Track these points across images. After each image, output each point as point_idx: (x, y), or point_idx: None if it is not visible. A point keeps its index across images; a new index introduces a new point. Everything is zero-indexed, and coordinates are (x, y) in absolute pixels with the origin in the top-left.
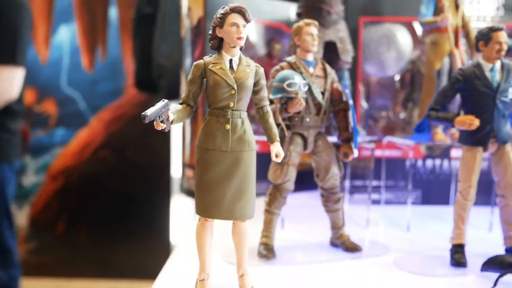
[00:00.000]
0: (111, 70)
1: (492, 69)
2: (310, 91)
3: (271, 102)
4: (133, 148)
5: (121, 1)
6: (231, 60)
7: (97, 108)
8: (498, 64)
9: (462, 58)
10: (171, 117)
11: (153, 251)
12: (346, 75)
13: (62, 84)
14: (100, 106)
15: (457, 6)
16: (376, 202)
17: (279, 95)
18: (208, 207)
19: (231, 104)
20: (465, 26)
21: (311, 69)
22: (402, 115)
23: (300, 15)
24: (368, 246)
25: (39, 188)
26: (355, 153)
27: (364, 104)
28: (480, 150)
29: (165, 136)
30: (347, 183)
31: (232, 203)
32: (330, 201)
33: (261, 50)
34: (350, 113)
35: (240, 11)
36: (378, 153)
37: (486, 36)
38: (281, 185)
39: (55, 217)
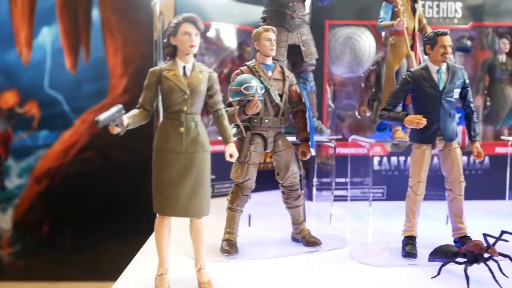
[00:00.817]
0: (95, 71)
1: (438, 71)
2: (268, 93)
3: (230, 104)
4: (117, 149)
5: (103, 2)
6: (184, 67)
7: (81, 109)
8: (444, 66)
9: (419, 60)
10: (126, 122)
11: (138, 252)
12: (311, 76)
13: (45, 85)
14: (84, 108)
15: (414, 11)
16: (343, 198)
17: (237, 98)
18: (165, 205)
19: (185, 108)
20: (422, 29)
21: (269, 73)
22: (368, 114)
23: (265, 20)
24: (328, 240)
25: (23, 191)
26: (312, 152)
27: (331, 104)
28: (429, 148)
29: (149, 136)
30: (315, 180)
31: (187, 201)
32: (290, 198)
33: (234, 53)
34: (307, 114)
35: (192, 21)
36: (345, 151)
37: (432, 41)
38: (242, 183)
39: (39, 220)
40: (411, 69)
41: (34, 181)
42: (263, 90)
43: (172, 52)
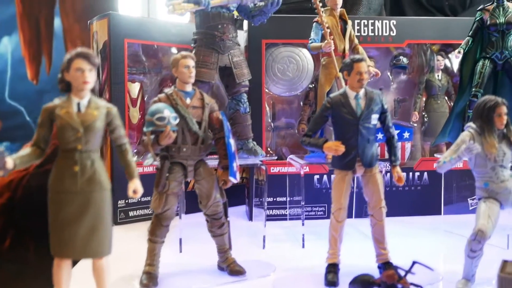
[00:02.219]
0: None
1: (356, 97)
2: (185, 122)
3: (145, 134)
4: None
5: (65, 11)
6: (79, 103)
7: None
8: (362, 92)
9: None
10: (10, 164)
11: None
12: (245, 97)
13: (6, 96)
14: None
15: (345, 31)
16: (283, 217)
17: (150, 128)
18: (62, 247)
19: (79, 146)
20: (354, 49)
21: (188, 100)
22: None
23: (196, 41)
24: (256, 267)
25: None
26: (232, 180)
27: (270, 122)
28: (349, 173)
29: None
30: (253, 200)
31: (85, 242)
32: (214, 226)
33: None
34: (226, 141)
35: (85, 56)
36: (284, 170)
37: (349, 67)
38: (162, 214)
39: (0, 234)
40: (331, 95)
41: None
42: (177, 120)
43: (66, 88)
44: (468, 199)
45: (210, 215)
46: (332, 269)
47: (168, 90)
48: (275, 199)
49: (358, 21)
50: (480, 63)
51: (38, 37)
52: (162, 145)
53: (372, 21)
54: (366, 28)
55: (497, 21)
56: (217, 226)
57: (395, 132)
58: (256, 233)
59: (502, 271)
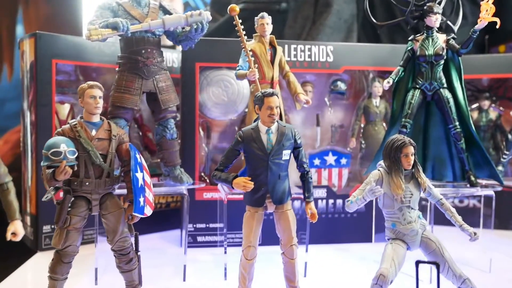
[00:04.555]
0: (19, 90)
1: (267, 132)
2: (88, 155)
3: (49, 167)
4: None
5: (28, 18)
6: None
7: (4, 129)
8: (274, 126)
9: None
10: None
11: None
12: (171, 123)
13: None
14: (7, 128)
15: (273, 59)
16: (214, 244)
17: (46, 163)
18: None
19: None
20: (285, 76)
21: (93, 132)
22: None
23: (119, 66)
24: None
25: None
26: (138, 215)
27: (205, 147)
28: (259, 210)
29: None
30: (190, 226)
31: None
32: (122, 262)
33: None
34: (132, 174)
35: None
36: (216, 195)
37: (260, 101)
38: (63, 250)
39: None
40: (242, 129)
41: None
42: (75, 155)
43: None
44: None
45: (117, 251)
46: None
47: (72, 121)
48: (207, 225)
49: (295, 46)
50: (410, 93)
51: None
52: (58, 181)
53: (309, 46)
54: (302, 54)
55: (426, 52)
56: (125, 262)
57: (309, 168)
58: (183, 261)
59: None
